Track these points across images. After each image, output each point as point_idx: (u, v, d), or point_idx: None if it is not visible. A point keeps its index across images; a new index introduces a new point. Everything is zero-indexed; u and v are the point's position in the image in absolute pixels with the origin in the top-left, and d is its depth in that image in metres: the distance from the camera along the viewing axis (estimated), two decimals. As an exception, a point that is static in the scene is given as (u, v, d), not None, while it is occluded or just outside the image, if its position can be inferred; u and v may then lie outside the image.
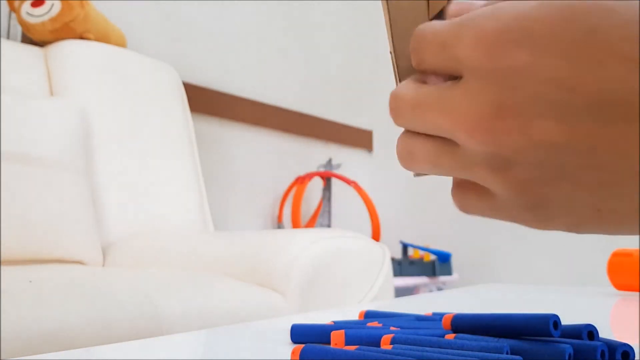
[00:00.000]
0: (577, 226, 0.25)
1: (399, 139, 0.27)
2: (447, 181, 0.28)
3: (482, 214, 0.27)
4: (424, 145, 0.26)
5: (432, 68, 0.26)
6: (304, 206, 2.36)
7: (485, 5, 0.25)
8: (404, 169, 0.27)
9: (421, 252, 2.44)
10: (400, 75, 0.29)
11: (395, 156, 0.28)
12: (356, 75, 2.77)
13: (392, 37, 0.29)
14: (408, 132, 0.27)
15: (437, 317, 0.47)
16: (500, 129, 0.23)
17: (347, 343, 0.39)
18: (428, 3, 0.28)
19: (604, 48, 0.21)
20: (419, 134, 0.26)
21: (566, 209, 0.25)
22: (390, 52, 0.29)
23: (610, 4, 0.22)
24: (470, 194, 0.27)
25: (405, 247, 2.44)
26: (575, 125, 0.22)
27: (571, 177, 0.23)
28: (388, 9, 0.28)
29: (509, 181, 0.25)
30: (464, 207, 0.27)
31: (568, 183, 0.24)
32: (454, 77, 0.25)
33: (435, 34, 0.25)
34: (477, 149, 0.24)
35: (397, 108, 0.26)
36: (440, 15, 0.28)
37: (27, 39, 1.54)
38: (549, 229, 0.26)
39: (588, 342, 0.35)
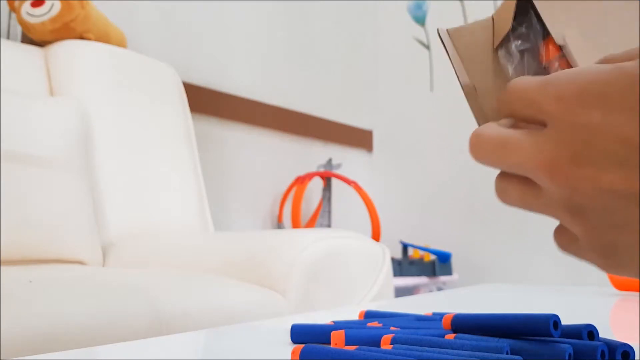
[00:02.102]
0: None
1: (497, 178, 0.32)
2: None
3: (574, 254, 0.31)
4: (515, 187, 0.31)
5: (521, 118, 0.30)
6: (304, 206, 2.36)
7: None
8: (501, 201, 0.32)
9: (421, 252, 2.44)
10: (484, 111, 0.33)
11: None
12: (356, 75, 2.77)
13: (464, 75, 0.32)
14: (503, 174, 0.31)
15: (437, 317, 0.47)
16: (576, 176, 0.27)
17: (347, 343, 0.39)
18: (493, 32, 0.31)
19: None
20: (511, 176, 0.31)
21: (631, 257, 0.28)
22: (464, 87, 0.32)
23: None
24: (564, 236, 0.31)
25: (405, 247, 2.44)
26: (637, 179, 0.26)
27: (633, 227, 0.27)
28: (456, 48, 0.31)
29: (584, 225, 0.28)
30: (563, 249, 0.31)
31: (631, 233, 0.27)
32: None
33: (525, 90, 0.29)
34: (556, 191, 0.28)
35: (478, 145, 0.31)
36: (505, 40, 0.31)
37: (27, 39, 1.54)
38: (622, 275, 0.29)
39: (588, 342, 0.35)
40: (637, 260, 0.28)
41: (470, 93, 0.32)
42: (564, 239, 0.31)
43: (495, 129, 0.30)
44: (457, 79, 0.32)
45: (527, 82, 0.30)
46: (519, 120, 0.30)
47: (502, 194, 0.31)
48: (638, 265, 0.28)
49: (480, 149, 0.31)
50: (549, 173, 0.28)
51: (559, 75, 0.28)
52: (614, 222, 0.27)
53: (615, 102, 0.26)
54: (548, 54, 0.32)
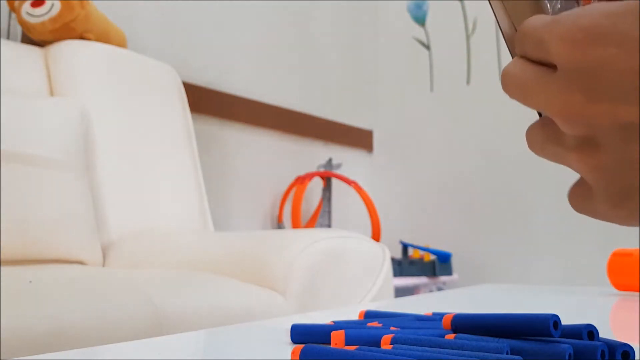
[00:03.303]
0: None
1: (528, 128, 0.31)
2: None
3: (588, 213, 0.30)
4: (537, 134, 0.30)
5: (533, 59, 0.29)
6: (304, 206, 2.36)
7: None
8: (530, 149, 0.31)
9: (421, 252, 2.44)
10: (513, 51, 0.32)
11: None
12: (356, 75, 2.77)
13: (504, 18, 0.32)
14: (534, 124, 0.31)
15: (437, 317, 0.47)
16: (591, 113, 0.26)
17: (347, 343, 0.39)
18: None
19: None
20: (536, 124, 0.30)
21: None
22: (504, 32, 0.32)
23: None
24: (578, 194, 0.30)
25: (405, 247, 2.44)
26: None
27: None
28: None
29: (599, 166, 0.27)
30: (576, 207, 0.30)
31: None
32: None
33: (534, 30, 0.28)
34: (571, 132, 0.27)
35: (507, 85, 0.30)
36: None
37: (27, 39, 1.54)
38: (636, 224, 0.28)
39: (588, 342, 0.35)
40: None
41: (510, 37, 0.32)
42: (578, 195, 0.30)
43: (519, 67, 0.29)
44: (497, 26, 0.32)
45: (537, 21, 0.29)
46: (533, 61, 0.29)
47: (530, 143, 0.31)
48: None
49: (508, 89, 0.30)
50: (562, 117, 0.27)
51: (569, 13, 0.27)
52: (633, 158, 0.26)
53: (628, 35, 0.25)
54: None
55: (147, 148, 1.51)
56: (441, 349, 0.35)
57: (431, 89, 2.73)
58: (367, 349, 0.35)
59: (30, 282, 0.85)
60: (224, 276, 1.11)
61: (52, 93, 1.45)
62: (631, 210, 0.27)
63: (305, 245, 1.12)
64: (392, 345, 0.37)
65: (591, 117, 0.26)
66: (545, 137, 0.30)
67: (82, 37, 1.53)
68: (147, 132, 1.53)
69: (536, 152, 0.31)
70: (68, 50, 1.48)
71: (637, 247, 0.93)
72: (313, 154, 2.48)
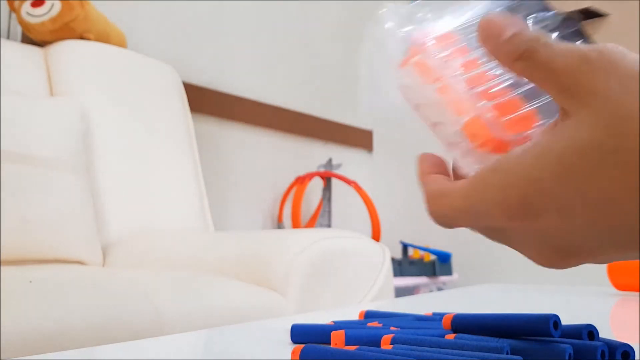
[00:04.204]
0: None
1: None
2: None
3: None
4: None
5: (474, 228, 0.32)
6: (304, 206, 2.35)
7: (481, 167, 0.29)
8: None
9: (421, 252, 2.44)
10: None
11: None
12: (356, 76, 2.77)
13: None
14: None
15: (437, 317, 0.47)
16: (571, 263, 0.28)
17: (347, 343, 0.39)
18: None
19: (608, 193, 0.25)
20: None
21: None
22: None
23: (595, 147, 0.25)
24: None
25: (405, 247, 2.44)
26: (613, 249, 0.26)
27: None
28: None
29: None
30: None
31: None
32: None
33: (455, 211, 0.32)
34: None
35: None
36: None
37: (27, 39, 1.54)
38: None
39: (588, 342, 0.35)
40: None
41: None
42: None
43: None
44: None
45: (446, 192, 0.32)
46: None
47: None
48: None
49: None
50: (548, 265, 0.29)
51: (486, 184, 0.28)
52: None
53: (558, 200, 0.26)
54: None
55: (147, 148, 1.51)
56: (441, 349, 0.35)
57: (431, 89, 2.73)
58: (367, 349, 0.35)
59: (31, 282, 0.85)
60: (224, 276, 1.11)
61: (52, 93, 1.45)
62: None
63: (305, 245, 1.12)
64: (392, 345, 0.37)
65: (573, 264, 0.28)
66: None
67: (82, 37, 1.53)
68: (147, 132, 1.53)
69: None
70: (68, 50, 1.48)
71: (637, 247, 0.93)
72: (313, 154, 2.48)
